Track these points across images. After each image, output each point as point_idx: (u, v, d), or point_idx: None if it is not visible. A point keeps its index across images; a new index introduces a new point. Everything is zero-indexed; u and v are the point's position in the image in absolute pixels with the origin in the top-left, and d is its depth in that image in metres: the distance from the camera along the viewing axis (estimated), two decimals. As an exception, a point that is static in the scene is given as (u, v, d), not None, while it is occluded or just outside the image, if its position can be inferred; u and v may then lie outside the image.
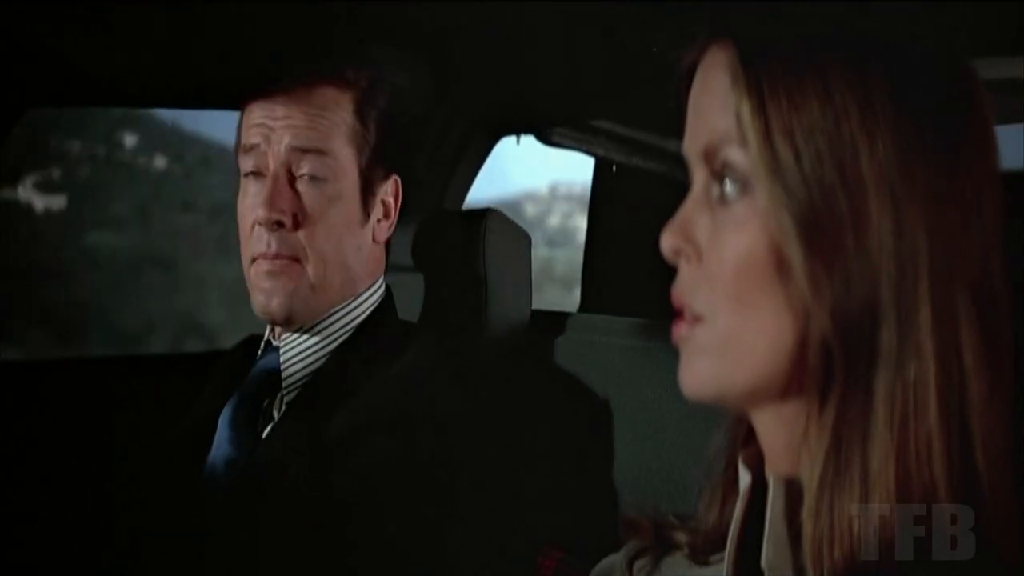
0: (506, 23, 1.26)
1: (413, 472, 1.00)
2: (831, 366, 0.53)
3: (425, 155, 1.63)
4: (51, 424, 1.37)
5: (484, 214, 1.36)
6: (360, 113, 1.11)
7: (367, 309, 1.15)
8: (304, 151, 1.08)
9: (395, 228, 1.21)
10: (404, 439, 1.01)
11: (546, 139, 1.80)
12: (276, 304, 1.09)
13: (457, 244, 1.36)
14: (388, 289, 1.20)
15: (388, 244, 1.20)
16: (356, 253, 1.12)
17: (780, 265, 0.54)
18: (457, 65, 1.44)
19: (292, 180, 1.09)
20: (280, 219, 1.07)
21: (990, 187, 0.54)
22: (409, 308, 1.36)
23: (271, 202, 1.07)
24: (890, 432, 0.51)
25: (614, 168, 1.99)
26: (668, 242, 0.59)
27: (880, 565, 0.51)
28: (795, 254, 0.53)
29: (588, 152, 1.94)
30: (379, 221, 1.14)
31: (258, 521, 1.03)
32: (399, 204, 1.15)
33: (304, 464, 1.02)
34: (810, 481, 0.54)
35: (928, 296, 0.51)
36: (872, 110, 0.52)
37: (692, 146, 0.59)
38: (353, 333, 1.14)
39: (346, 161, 1.10)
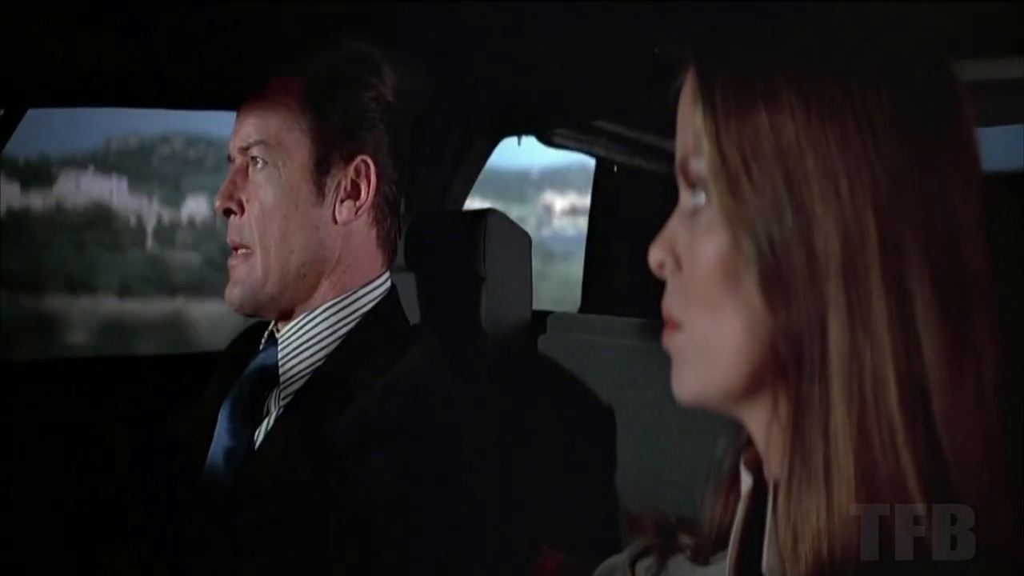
0: (507, 24, 1.26)
1: (413, 477, 1.00)
2: (785, 361, 0.54)
3: (429, 150, 1.63)
4: (51, 423, 1.38)
5: (484, 214, 1.36)
6: (310, 100, 1.14)
7: (366, 304, 1.15)
8: (251, 144, 1.14)
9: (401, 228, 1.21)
10: (404, 445, 1.01)
11: (547, 140, 1.79)
12: (236, 294, 1.14)
13: (458, 244, 1.36)
14: (394, 288, 1.20)
15: (391, 239, 1.20)
16: (311, 233, 1.13)
17: (737, 267, 0.55)
18: (458, 66, 1.44)
19: (247, 171, 1.15)
20: (227, 206, 1.14)
21: (957, 171, 0.55)
22: (412, 309, 1.36)
23: (221, 192, 1.14)
24: (849, 421, 0.51)
25: (615, 168, 1.99)
26: (653, 256, 0.61)
27: (845, 564, 0.51)
28: (745, 255, 0.54)
29: (589, 153, 1.94)
30: (342, 201, 1.14)
31: (255, 517, 1.03)
32: (373, 185, 1.15)
33: (301, 467, 1.02)
34: (779, 480, 0.55)
35: (880, 282, 0.52)
36: (818, 109, 0.53)
37: (677, 163, 0.61)
38: (353, 331, 1.14)
39: (292, 145, 1.13)
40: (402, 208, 1.20)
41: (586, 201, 2.10)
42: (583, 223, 2.11)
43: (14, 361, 1.53)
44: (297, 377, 1.12)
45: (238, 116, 1.16)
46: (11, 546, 1.24)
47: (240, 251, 1.14)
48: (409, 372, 1.09)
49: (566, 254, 2.18)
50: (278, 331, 1.16)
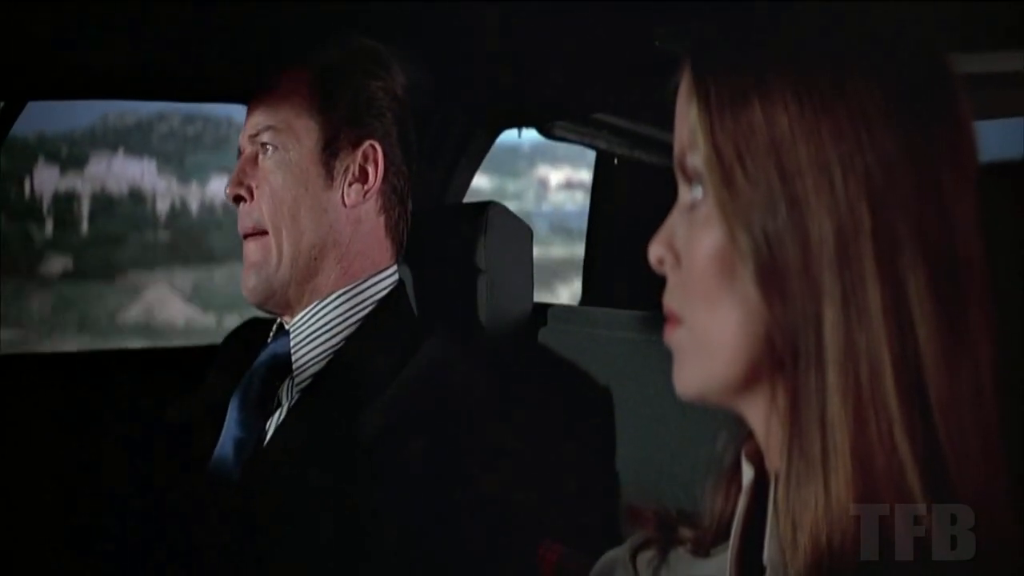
0: (507, 16, 1.26)
1: (442, 467, 1.00)
2: (782, 352, 0.54)
3: (429, 144, 1.63)
4: (52, 417, 1.38)
5: (485, 207, 1.36)
6: (319, 88, 1.15)
7: (379, 292, 1.16)
8: (261, 131, 1.15)
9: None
10: (440, 437, 1.01)
11: (547, 132, 1.79)
12: (251, 280, 1.14)
13: (458, 237, 1.36)
14: (402, 281, 1.20)
15: (400, 229, 1.20)
16: (320, 215, 1.14)
17: (734, 261, 0.55)
18: (458, 59, 1.44)
19: (257, 159, 1.16)
20: (237, 192, 1.15)
21: (952, 162, 0.54)
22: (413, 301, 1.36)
23: (231, 179, 1.16)
24: (845, 410, 0.51)
25: (615, 161, 1.99)
26: (652, 252, 0.61)
27: (844, 554, 0.51)
28: (741, 248, 0.54)
29: (589, 145, 1.94)
30: (350, 184, 1.15)
31: (265, 509, 1.04)
32: (380, 169, 1.16)
33: (319, 457, 1.03)
34: (779, 471, 0.55)
35: (875, 272, 0.52)
36: (811, 102, 0.53)
37: (674, 159, 0.61)
38: (370, 315, 1.14)
39: (301, 130, 1.14)
40: (410, 204, 1.21)
41: (579, 174, 2.10)
42: (579, 197, 2.11)
43: (13, 355, 1.53)
44: (312, 363, 1.12)
45: (248, 109, 1.18)
46: (13, 540, 1.24)
47: (252, 237, 1.14)
48: (435, 363, 1.09)
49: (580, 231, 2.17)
50: (287, 323, 1.16)
